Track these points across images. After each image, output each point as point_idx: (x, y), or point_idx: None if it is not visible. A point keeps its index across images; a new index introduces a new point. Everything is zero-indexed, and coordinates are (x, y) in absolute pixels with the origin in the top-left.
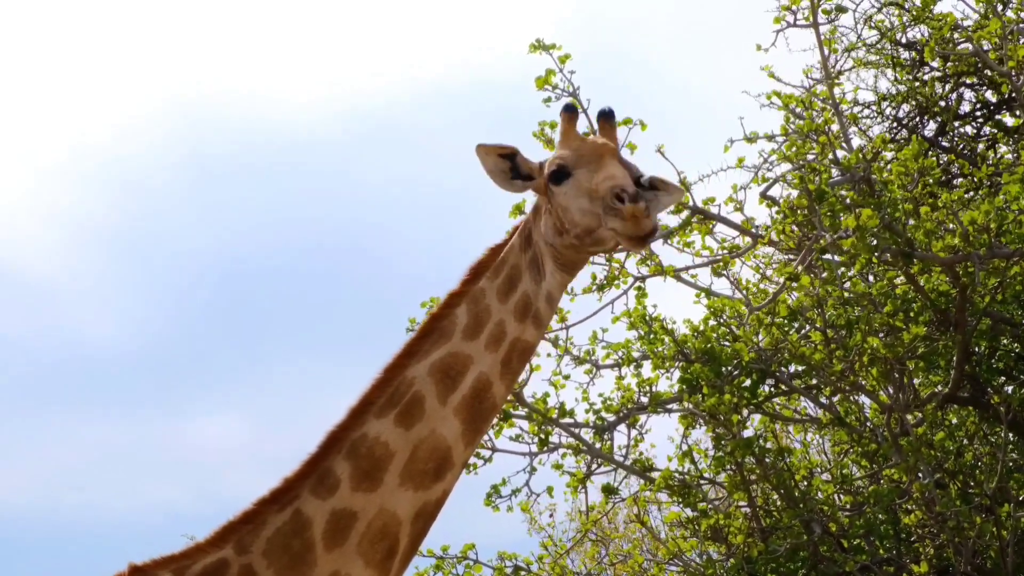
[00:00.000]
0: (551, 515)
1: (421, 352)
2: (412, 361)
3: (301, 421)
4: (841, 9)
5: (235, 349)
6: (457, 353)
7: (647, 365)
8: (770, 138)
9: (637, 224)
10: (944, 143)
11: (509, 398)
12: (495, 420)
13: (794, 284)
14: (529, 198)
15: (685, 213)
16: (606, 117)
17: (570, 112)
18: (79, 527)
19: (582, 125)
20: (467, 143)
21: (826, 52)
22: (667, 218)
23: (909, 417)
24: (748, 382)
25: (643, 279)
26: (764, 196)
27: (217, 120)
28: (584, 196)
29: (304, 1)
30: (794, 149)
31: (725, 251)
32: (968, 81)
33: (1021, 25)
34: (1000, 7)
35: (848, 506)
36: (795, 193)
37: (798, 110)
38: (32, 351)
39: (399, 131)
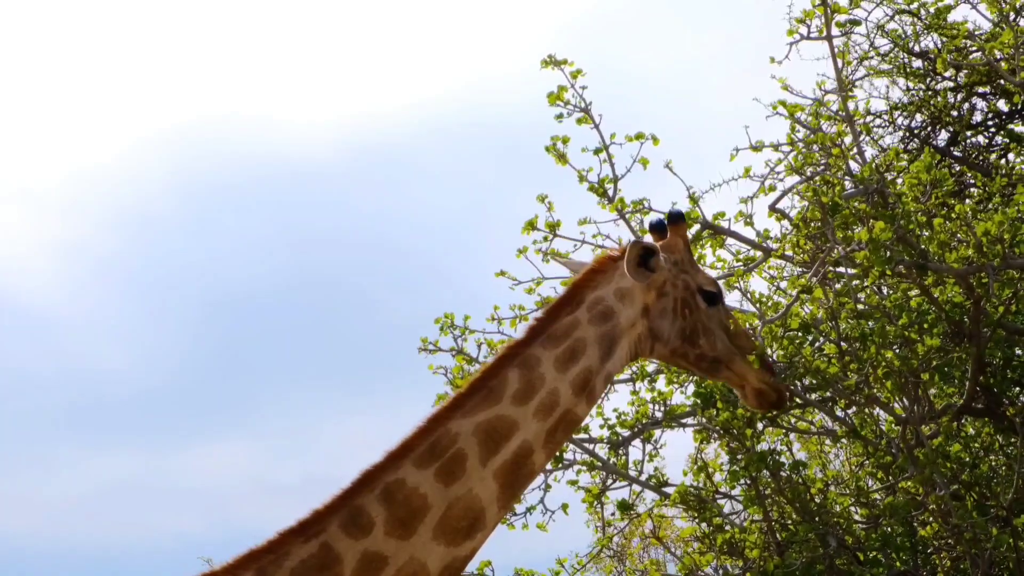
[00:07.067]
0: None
1: (466, 408)
2: (456, 415)
3: (307, 450)
4: (855, 23)
5: (243, 380)
6: (504, 416)
7: (662, 379)
8: (776, 147)
9: (780, 397)
10: (956, 152)
11: None
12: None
13: (807, 297)
14: (541, 214)
15: (696, 228)
16: (674, 221)
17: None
18: (92, 557)
19: (592, 140)
20: (469, 168)
21: (840, 64)
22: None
23: (925, 429)
24: None
25: None
26: (773, 209)
27: (223, 148)
28: (723, 330)
29: (306, 27)
30: (801, 158)
31: (739, 264)
32: (980, 91)
33: None
34: (1013, 16)
35: (864, 519)
36: (807, 205)
37: (803, 118)
38: (43, 384)
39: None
